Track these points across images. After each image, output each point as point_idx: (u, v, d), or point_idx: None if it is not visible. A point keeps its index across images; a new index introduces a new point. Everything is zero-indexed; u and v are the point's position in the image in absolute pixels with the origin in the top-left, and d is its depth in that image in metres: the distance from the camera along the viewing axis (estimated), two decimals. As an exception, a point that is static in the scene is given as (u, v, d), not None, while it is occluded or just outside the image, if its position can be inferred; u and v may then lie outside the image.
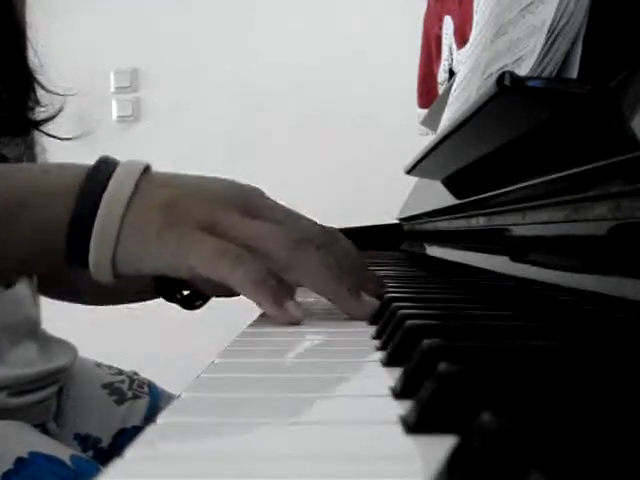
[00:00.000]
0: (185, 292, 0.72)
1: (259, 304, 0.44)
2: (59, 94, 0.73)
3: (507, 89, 0.40)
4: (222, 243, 0.43)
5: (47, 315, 0.78)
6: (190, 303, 0.71)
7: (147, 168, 0.47)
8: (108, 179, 0.45)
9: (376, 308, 0.47)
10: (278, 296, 0.44)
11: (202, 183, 0.47)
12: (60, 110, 0.73)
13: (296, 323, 0.44)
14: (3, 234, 0.45)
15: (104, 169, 0.46)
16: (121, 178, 0.45)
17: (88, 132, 0.80)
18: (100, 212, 0.43)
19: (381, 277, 0.56)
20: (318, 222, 0.51)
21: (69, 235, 0.44)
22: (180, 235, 0.43)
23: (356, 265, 0.51)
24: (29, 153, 0.74)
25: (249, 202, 0.46)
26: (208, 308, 0.72)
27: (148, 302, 0.75)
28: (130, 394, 0.81)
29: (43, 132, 0.74)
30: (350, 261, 0.50)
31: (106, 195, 0.44)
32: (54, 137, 0.76)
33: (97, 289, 0.77)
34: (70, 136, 0.77)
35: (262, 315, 0.51)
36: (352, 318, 0.47)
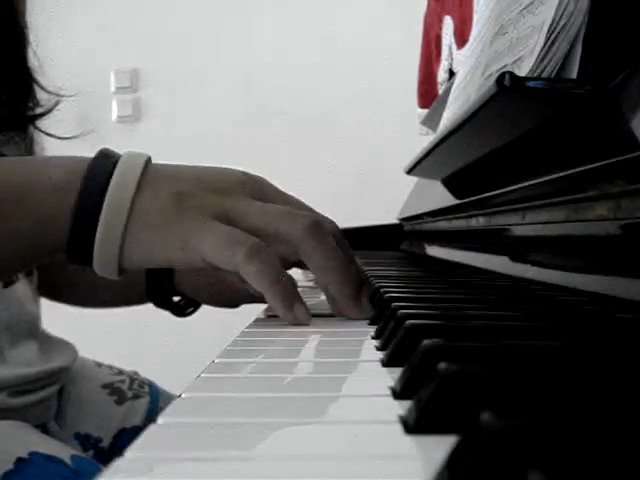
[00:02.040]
0: (176, 298, 0.72)
1: (269, 300, 0.43)
2: (58, 95, 0.73)
3: (507, 89, 0.40)
4: (236, 231, 0.42)
5: (47, 315, 0.78)
6: (181, 310, 0.71)
7: (149, 160, 0.46)
8: (113, 168, 0.43)
9: (371, 311, 0.47)
10: (288, 296, 0.43)
11: (208, 172, 0.46)
12: (56, 104, 0.72)
13: (302, 325, 0.44)
14: (3, 224, 0.43)
15: (106, 159, 0.44)
16: (126, 166, 0.43)
17: (88, 132, 0.80)
18: (107, 199, 0.41)
19: (364, 269, 0.54)
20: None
21: (73, 224, 0.42)
22: (192, 223, 0.41)
23: (355, 263, 0.50)
24: (29, 152, 0.74)
25: (257, 187, 0.46)
26: (208, 308, 0.72)
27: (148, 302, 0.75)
28: (130, 394, 0.81)
29: (43, 131, 0.74)
30: (350, 257, 0.49)
31: (113, 183, 0.42)
32: (54, 136, 0.76)
33: (89, 291, 0.76)
34: (70, 136, 0.77)
35: (262, 315, 0.51)
36: (348, 316, 0.46)
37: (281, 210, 0.44)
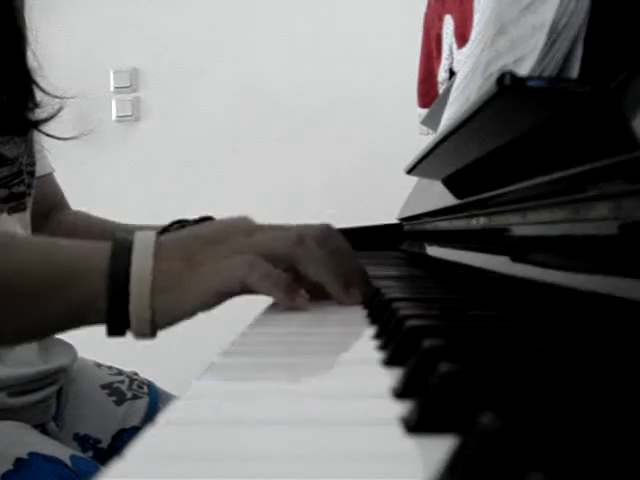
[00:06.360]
0: None
1: (272, 296, 0.50)
2: (58, 97, 0.73)
3: (507, 89, 0.40)
4: (236, 257, 0.50)
5: (47, 315, 0.78)
6: None
7: (158, 233, 0.53)
8: (130, 251, 0.50)
9: (360, 298, 0.54)
10: (286, 287, 0.50)
11: (204, 228, 0.54)
12: (60, 110, 0.73)
13: (302, 309, 0.51)
14: (43, 309, 0.50)
15: (123, 245, 0.51)
16: (142, 247, 0.50)
17: (88, 132, 0.80)
18: (132, 279, 0.48)
19: (364, 267, 0.61)
20: (314, 223, 0.58)
21: (109, 307, 0.49)
22: (203, 274, 0.49)
23: (347, 255, 0.57)
24: (28, 152, 0.74)
25: (248, 227, 0.54)
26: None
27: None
28: (130, 394, 0.81)
29: (43, 132, 0.74)
30: (341, 251, 0.56)
31: (134, 266, 0.49)
32: (54, 137, 0.76)
33: None
34: (69, 136, 0.77)
35: (262, 317, 0.51)
36: (341, 304, 0.54)
37: (269, 236, 0.52)
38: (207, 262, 0.50)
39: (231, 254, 0.50)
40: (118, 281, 0.48)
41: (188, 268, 0.50)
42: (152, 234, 0.52)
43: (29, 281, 0.50)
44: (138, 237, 0.51)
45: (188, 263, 0.50)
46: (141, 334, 0.50)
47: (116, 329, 0.50)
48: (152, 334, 0.50)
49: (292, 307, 0.51)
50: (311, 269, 0.52)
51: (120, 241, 0.51)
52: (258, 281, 0.48)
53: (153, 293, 0.48)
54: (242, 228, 0.53)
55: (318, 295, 0.56)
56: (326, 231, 0.57)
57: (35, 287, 0.49)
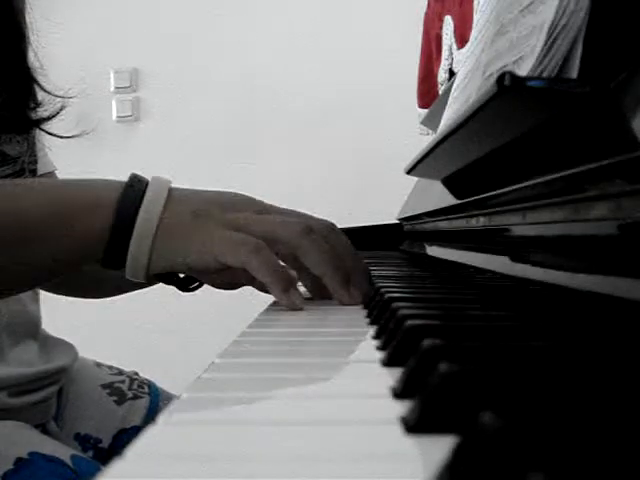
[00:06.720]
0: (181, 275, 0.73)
1: (270, 288, 0.51)
2: (59, 96, 0.73)
3: (507, 89, 0.40)
4: (242, 235, 0.50)
5: (47, 315, 0.78)
6: (185, 285, 0.71)
7: (170, 185, 0.54)
8: (144, 191, 0.51)
9: (361, 299, 0.54)
10: (286, 283, 0.51)
11: (220, 194, 0.55)
12: (62, 109, 0.73)
13: (297, 309, 0.51)
14: (51, 242, 0.51)
15: (137, 183, 0.52)
16: (155, 189, 0.51)
17: (88, 131, 0.80)
18: (139, 218, 0.50)
19: (368, 267, 0.62)
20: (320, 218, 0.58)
21: (111, 239, 0.50)
22: (206, 233, 0.50)
23: (350, 255, 0.57)
24: (30, 151, 0.74)
25: (260, 205, 0.55)
26: (209, 308, 0.72)
27: (148, 302, 0.75)
28: (130, 394, 0.81)
29: (44, 130, 0.74)
30: (344, 249, 0.56)
31: (144, 205, 0.50)
32: (55, 135, 0.76)
33: (94, 281, 0.78)
34: (71, 134, 0.77)
35: (262, 316, 0.51)
36: (340, 302, 0.53)
37: (279, 219, 0.53)
38: (214, 225, 0.50)
39: (240, 227, 0.50)
40: (124, 219, 0.49)
41: (195, 223, 0.50)
42: (167, 181, 0.52)
43: (41, 217, 0.50)
44: (153, 181, 0.52)
45: (196, 219, 0.50)
46: (134, 275, 0.51)
47: (112, 263, 0.51)
48: (145, 278, 0.51)
49: (287, 303, 0.51)
50: (312, 260, 0.52)
51: (134, 181, 0.52)
52: (258, 266, 0.49)
53: (155, 237, 0.49)
54: (255, 204, 0.54)
55: (316, 291, 0.56)
56: (331, 228, 0.57)
57: (46, 222, 0.50)
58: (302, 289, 0.57)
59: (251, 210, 0.53)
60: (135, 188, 0.51)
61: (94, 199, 0.51)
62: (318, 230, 0.54)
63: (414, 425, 0.22)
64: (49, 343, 0.76)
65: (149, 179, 0.53)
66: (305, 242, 0.51)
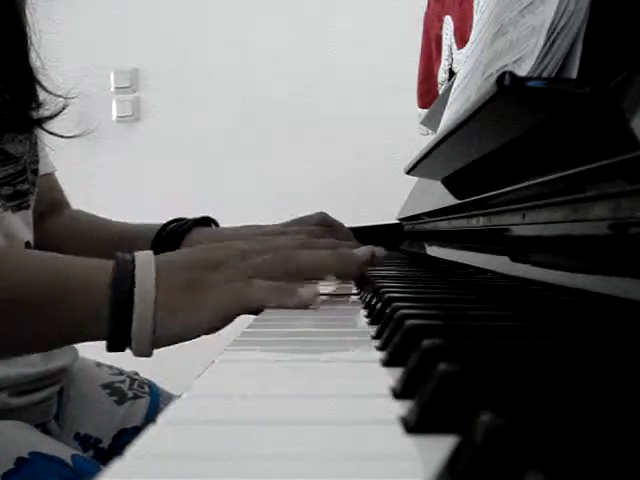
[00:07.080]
0: None
1: (284, 306, 0.52)
2: (60, 96, 0.74)
3: (507, 89, 0.40)
4: (237, 284, 0.52)
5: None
6: None
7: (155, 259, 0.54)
8: (132, 274, 0.51)
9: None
10: (289, 292, 0.52)
11: (202, 251, 0.56)
12: (63, 108, 0.73)
13: (310, 305, 0.53)
14: (44, 321, 0.51)
15: (124, 264, 0.52)
16: (143, 270, 0.52)
17: (88, 131, 0.80)
18: (136, 304, 0.50)
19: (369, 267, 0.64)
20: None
21: (112, 327, 0.50)
22: (200, 300, 0.51)
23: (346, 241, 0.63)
24: (32, 150, 0.74)
25: (239, 249, 0.56)
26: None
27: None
28: (130, 394, 0.81)
29: (46, 130, 0.75)
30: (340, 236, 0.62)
31: (137, 290, 0.51)
32: (56, 135, 0.76)
33: None
34: (71, 134, 0.77)
35: (261, 316, 0.51)
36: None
37: (261, 261, 0.54)
38: (209, 287, 0.52)
39: (230, 279, 0.52)
40: (121, 309, 0.50)
41: (190, 294, 0.51)
42: (151, 261, 0.52)
43: (38, 292, 0.51)
44: (139, 266, 0.52)
45: (189, 289, 0.51)
46: (141, 355, 0.52)
47: (116, 347, 0.52)
48: (151, 354, 0.53)
49: (299, 302, 0.53)
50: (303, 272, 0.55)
51: (121, 269, 0.52)
52: (268, 299, 0.51)
53: (156, 319, 0.50)
54: (235, 250, 0.55)
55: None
56: (321, 225, 0.61)
57: (42, 298, 0.51)
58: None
59: (234, 258, 0.54)
60: (123, 270, 0.52)
61: (84, 281, 0.52)
62: (300, 245, 0.58)
63: (414, 425, 0.22)
64: (49, 343, 0.76)
65: (134, 256, 0.53)
66: (291, 267, 0.54)
